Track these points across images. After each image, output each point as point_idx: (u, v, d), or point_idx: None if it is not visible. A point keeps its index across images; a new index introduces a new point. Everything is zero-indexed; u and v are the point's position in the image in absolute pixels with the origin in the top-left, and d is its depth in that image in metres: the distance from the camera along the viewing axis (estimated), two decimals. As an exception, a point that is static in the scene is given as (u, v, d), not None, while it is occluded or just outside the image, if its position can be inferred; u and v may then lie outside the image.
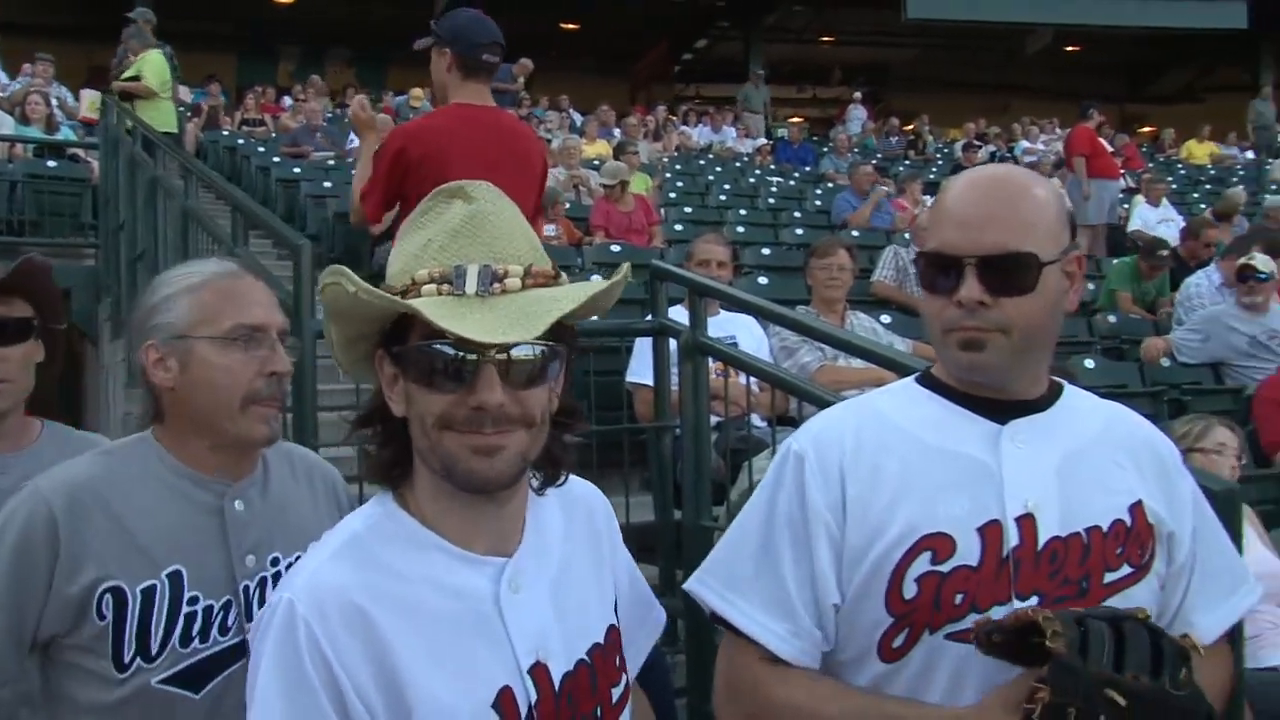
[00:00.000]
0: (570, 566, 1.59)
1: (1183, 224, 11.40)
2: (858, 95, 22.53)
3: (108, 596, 1.84)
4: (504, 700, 1.43)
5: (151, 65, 10.45)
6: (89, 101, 12.42)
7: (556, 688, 1.49)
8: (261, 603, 1.86)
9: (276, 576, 1.96)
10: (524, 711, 1.44)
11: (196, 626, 1.90)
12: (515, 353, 1.39)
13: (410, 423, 1.45)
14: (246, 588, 1.95)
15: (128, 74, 10.57)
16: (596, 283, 1.48)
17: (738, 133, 20.01)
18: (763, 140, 19.44)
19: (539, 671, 1.47)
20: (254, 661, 1.42)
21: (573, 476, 1.65)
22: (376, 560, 1.44)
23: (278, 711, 1.36)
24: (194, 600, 1.89)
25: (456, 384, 1.39)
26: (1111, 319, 8.50)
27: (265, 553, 1.99)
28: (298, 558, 1.71)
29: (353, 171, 11.88)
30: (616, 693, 1.59)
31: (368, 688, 1.37)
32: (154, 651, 1.86)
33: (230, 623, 1.93)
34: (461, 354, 1.38)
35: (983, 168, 1.85)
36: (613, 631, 1.62)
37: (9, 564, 1.83)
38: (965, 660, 1.57)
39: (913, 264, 8.13)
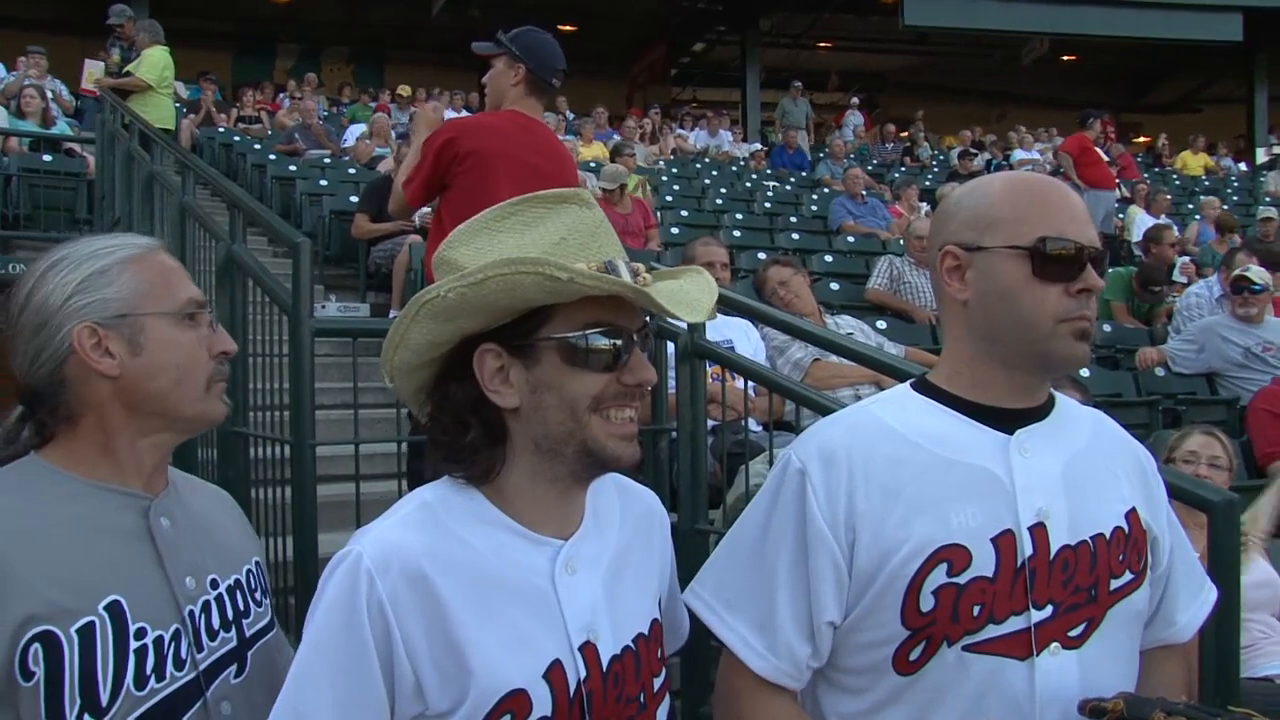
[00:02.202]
0: (624, 556, 1.66)
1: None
2: (855, 101, 22.55)
3: (35, 646, 1.50)
4: (554, 673, 1.50)
5: (150, 61, 10.45)
6: (90, 72, 12.27)
7: (604, 668, 1.55)
8: (209, 630, 1.69)
9: (219, 600, 1.72)
10: (572, 686, 1.51)
11: (150, 664, 1.59)
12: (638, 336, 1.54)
13: (540, 410, 1.52)
14: (192, 613, 1.67)
15: (126, 69, 10.57)
16: (708, 279, 1.62)
17: (733, 136, 20.03)
18: (757, 145, 19.45)
19: (589, 650, 1.54)
20: (314, 601, 1.49)
21: (632, 481, 1.79)
22: (443, 528, 1.52)
23: (327, 656, 1.45)
24: (141, 633, 1.59)
25: (612, 365, 1.50)
26: (1106, 328, 8.53)
27: (203, 574, 1.72)
28: (236, 581, 1.77)
29: (350, 170, 11.92)
30: (657, 682, 1.65)
31: (419, 646, 1.44)
32: (104, 702, 1.54)
33: (184, 655, 1.64)
34: (619, 340, 1.50)
35: (1030, 173, 1.86)
36: (656, 625, 1.68)
37: None
38: (988, 675, 1.57)
39: (912, 269, 8.16)
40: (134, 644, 1.58)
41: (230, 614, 1.73)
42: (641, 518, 1.75)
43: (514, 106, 4.44)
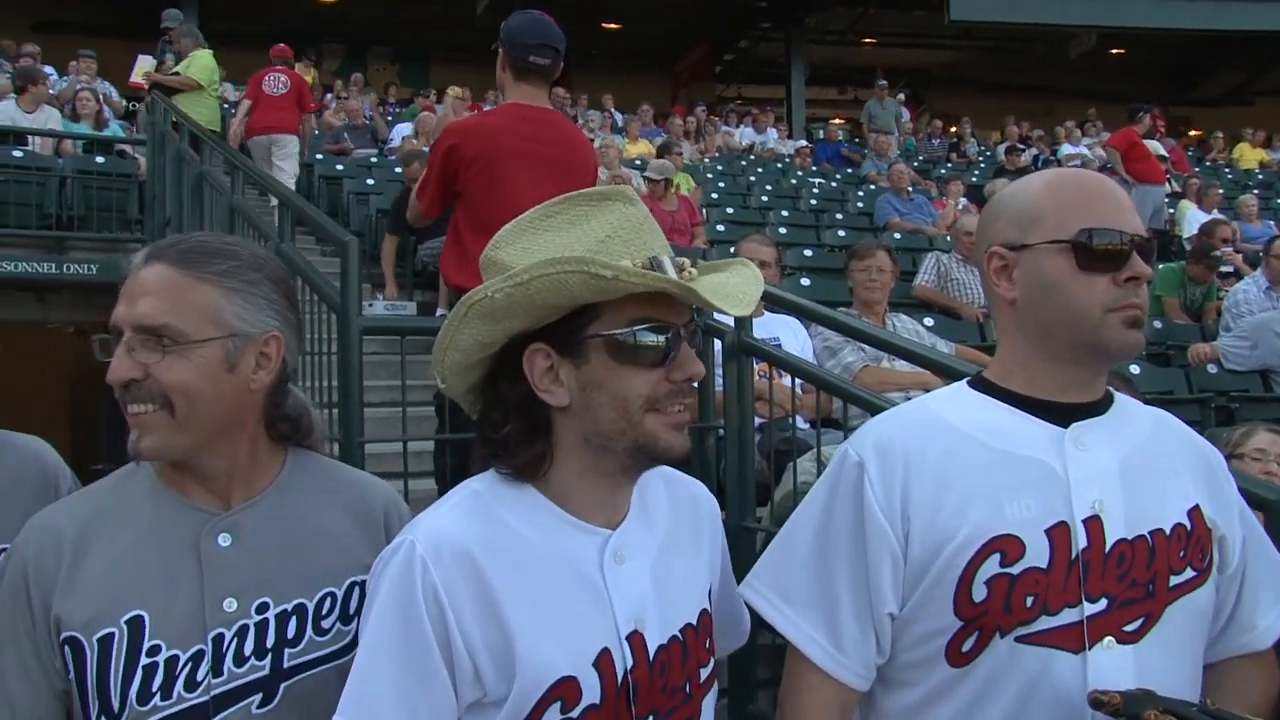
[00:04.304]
0: (671, 546, 1.66)
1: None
2: (900, 97, 22.41)
3: (67, 649, 1.63)
4: (603, 661, 1.52)
5: (199, 63, 10.67)
6: (141, 66, 12.40)
7: (651, 657, 1.56)
8: (240, 656, 1.66)
9: (263, 626, 1.69)
10: (620, 675, 1.52)
11: (157, 681, 1.62)
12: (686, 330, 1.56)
13: (590, 408, 1.54)
14: (221, 636, 1.66)
15: (175, 70, 10.74)
16: (754, 271, 1.64)
17: (778, 133, 19.96)
18: (803, 142, 19.34)
19: (636, 639, 1.55)
20: (369, 596, 1.54)
21: (679, 472, 1.77)
22: (493, 516, 1.55)
23: (387, 647, 1.47)
24: (155, 650, 1.63)
25: (660, 360, 1.52)
26: (1157, 325, 8.43)
27: (252, 597, 1.69)
28: (298, 606, 1.72)
29: (396, 169, 12.00)
30: (705, 673, 1.65)
31: (473, 632, 1.47)
32: (115, 709, 1.61)
33: (200, 678, 1.64)
34: (666, 335, 1.52)
35: (1070, 169, 1.86)
36: (705, 615, 1.68)
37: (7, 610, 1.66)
38: (1039, 667, 1.57)
39: (960, 266, 8.11)
40: (144, 660, 1.62)
41: (271, 641, 1.69)
42: (689, 508, 1.76)
43: (512, 98, 4.31)
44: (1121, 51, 24.81)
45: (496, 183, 4.05)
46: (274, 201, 9.09)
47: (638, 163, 12.97)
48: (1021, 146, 18.16)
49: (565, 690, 1.48)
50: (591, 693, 1.50)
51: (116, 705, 1.61)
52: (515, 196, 4.02)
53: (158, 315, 1.63)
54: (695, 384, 1.58)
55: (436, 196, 4.26)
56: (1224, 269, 10.11)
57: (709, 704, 1.68)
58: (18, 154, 10.27)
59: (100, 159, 10.78)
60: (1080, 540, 1.59)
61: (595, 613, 1.54)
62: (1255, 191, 15.43)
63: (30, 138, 10.76)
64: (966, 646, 1.60)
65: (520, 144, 4.12)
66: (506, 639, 1.47)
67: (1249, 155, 20.15)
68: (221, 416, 1.68)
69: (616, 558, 1.57)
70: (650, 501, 1.68)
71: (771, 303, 4.61)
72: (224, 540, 1.70)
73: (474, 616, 1.47)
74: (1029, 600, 1.57)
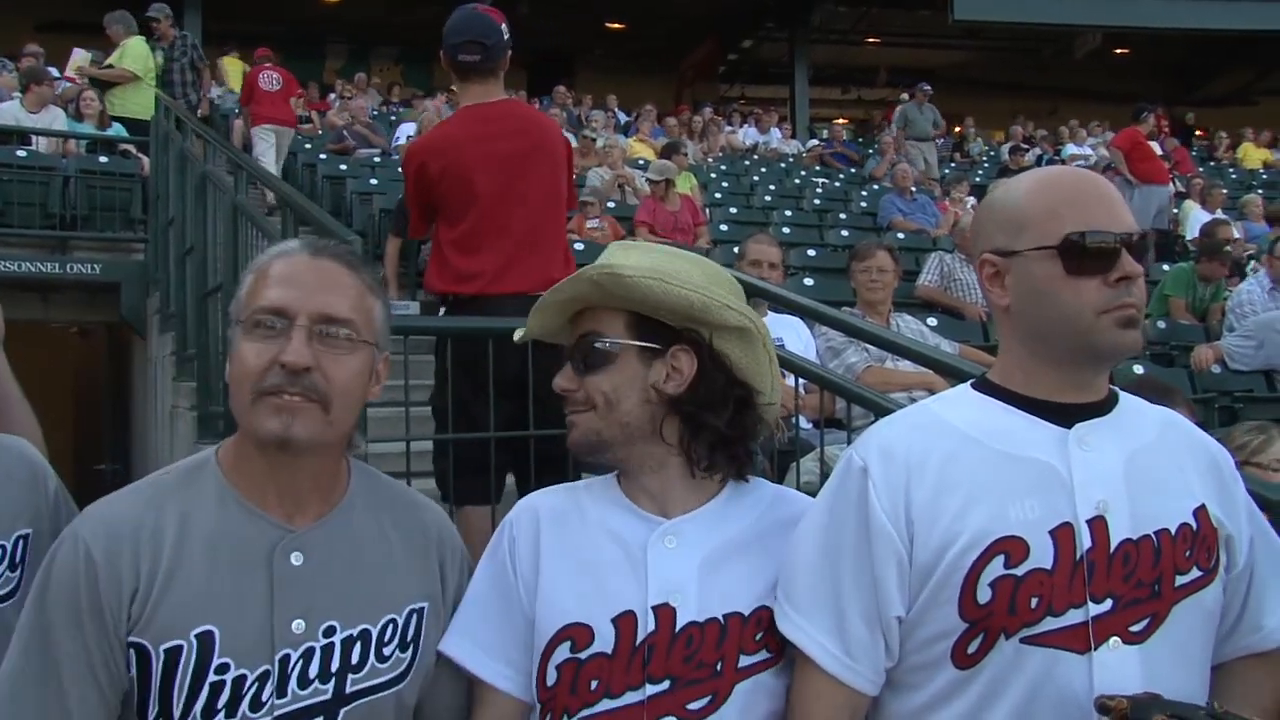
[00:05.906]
0: (742, 547, 1.80)
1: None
2: (904, 97, 22.36)
3: (131, 652, 1.61)
4: (624, 621, 1.72)
5: (133, 51, 10.91)
6: (74, 61, 12.56)
7: (676, 629, 1.71)
8: (305, 678, 1.66)
9: (329, 650, 1.67)
10: (640, 637, 1.71)
11: (223, 699, 1.61)
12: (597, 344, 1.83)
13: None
14: (288, 657, 1.65)
15: (108, 62, 11.05)
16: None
17: (782, 134, 19.93)
18: (814, 141, 19.29)
19: (664, 611, 1.72)
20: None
21: (801, 495, 1.97)
22: (574, 496, 1.89)
23: (487, 577, 1.86)
24: (223, 668, 1.61)
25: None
26: (1160, 325, 8.43)
27: (320, 619, 1.67)
28: (363, 631, 1.72)
29: (400, 169, 12.03)
30: (746, 659, 1.73)
31: (529, 577, 1.81)
32: (176, 718, 1.61)
33: (265, 698, 1.63)
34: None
35: (1058, 167, 1.86)
36: (763, 611, 1.75)
37: (51, 616, 1.61)
38: (1045, 668, 1.57)
39: (963, 266, 8.10)
40: (212, 677, 1.61)
41: (336, 666, 1.69)
42: (784, 520, 1.83)
43: (465, 99, 4.27)
44: (1126, 51, 24.76)
45: (469, 189, 4.01)
46: (270, 198, 9.14)
47: (641, 162, 12.97)
48: (1025, 146, 18.12)
49: (575, 633, 1.73)
50: (604, 642, 1.71)
51: (178, 715, 1.60)
52: (489, 197, 4.04)
53: (344, 310, 1.67)
54: (582, 396, 1.84)
55: (418, 216, 4.28)
56: (1250, 268, 10.06)
57: (746, 691, 1.71)
58: (22, 154, 10.28)
59: (104, 159, 10.79)
60: (1085, 541, 1.59)
61: (630, 581, 1.74)
62: (1260, 191, 15.41)
63: (34, 137, 10.77)
64: (972, 648, 1.60)
65: (485, 145, 4.08)
66: (536, 584, 1.79)
67: (1253, 155, 20.12)
68: (351, 422, 1.72)
69: (666, 540, 1.76)
70: (737, 504, 1.85)
71: (775, 303, 4.60)
72: (296, 559, 1.69)
73: (528, 564, 1.80)
74: (1033, 601, 1.57)
